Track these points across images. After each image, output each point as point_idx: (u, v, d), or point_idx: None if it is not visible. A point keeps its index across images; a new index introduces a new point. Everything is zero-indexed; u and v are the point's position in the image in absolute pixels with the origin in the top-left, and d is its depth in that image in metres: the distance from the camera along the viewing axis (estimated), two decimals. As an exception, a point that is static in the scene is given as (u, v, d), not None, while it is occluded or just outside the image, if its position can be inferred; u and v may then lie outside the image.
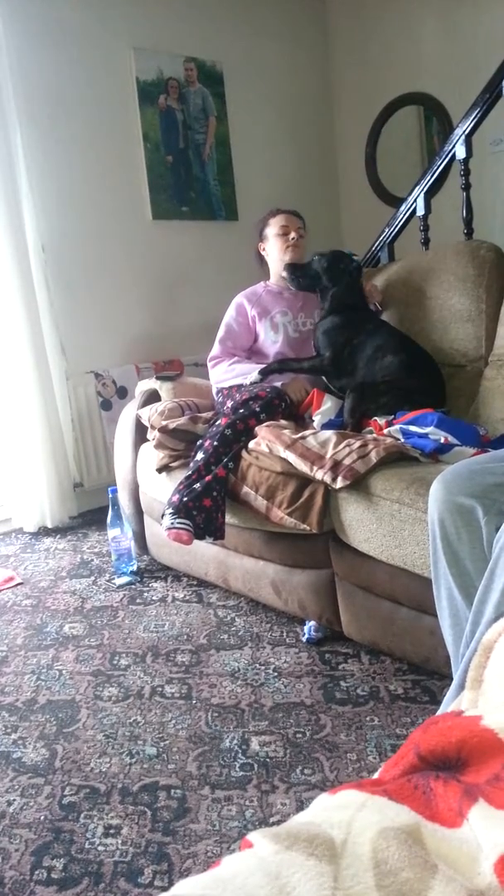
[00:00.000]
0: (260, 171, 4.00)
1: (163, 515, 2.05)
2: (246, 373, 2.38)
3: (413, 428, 1.91)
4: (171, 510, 2.02)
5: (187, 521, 1.98)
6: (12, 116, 2.99)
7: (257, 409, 2.15)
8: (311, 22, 4.25)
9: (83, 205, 3.35)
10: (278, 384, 2.31)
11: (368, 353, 2.25)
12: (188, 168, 3.74)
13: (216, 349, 2.53)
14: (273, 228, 2.54)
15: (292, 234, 2.52)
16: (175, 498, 2.04)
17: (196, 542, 2.05)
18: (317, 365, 2.33)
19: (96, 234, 3.41)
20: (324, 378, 2.39)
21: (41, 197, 3.14)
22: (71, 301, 3.31)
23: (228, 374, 2.44)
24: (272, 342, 2.49)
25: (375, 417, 2.07)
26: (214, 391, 2.54)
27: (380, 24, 4.03)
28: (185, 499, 2.01)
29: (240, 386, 2.39)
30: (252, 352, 2.54)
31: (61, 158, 3.26)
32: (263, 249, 2.59)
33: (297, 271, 2.44)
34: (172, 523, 1.99)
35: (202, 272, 3.80)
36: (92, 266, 3.40)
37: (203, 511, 2.01)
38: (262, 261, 2.64)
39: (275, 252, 2.54)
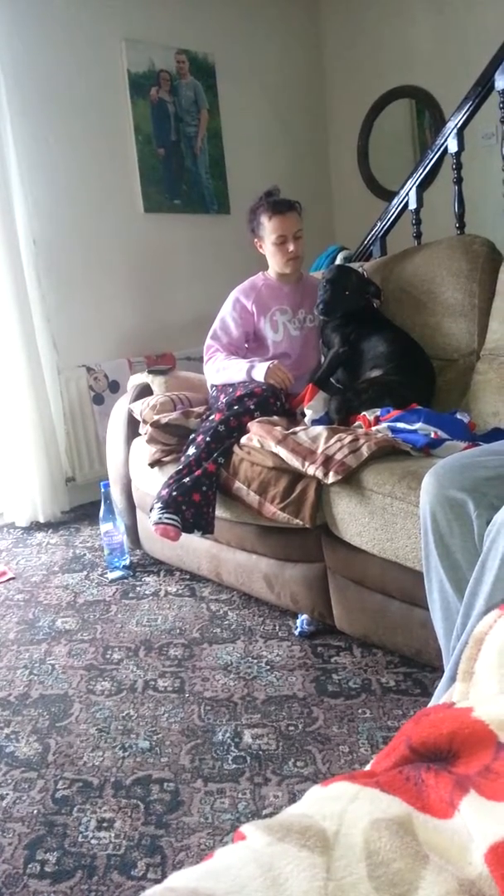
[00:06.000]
0: (252, 165, 3.98)
1: (151, 509, 2.05)
2: (237, 372, 2.31)
3: (401, 425, 1.91)
4: (159, 504, 2.01)
5: (175, 517, 1.98)
6: (3, 109, 2.96)
7: (252, 407, 2.14)
8: (304, 14, 4.24)
9: (74, 198, 3.33)
10: (261, 375, 2.24)
11: (367, 343, 2.30)
12: (180, 161, 3.72)
13: (209, 342, 2.47)
14: (269, 234, 2.35)
15: (290, 247, 2.34)
16: (164, 492, 2.04)
17: (188, 536, 2.05)
18: (333, 358, 2.32)
19: (88, 228, 3.39)
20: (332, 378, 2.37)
21: (32, 190, 3.12)
22: (62, 295, 3.30)
23: (222, 375, 2.37)
24: (272, 341, 2.44)
25: (364, 413, 2.07)
26: (209, 385, 2.52)
27: (372, 17, 4.02)
28: (175, 493, 2.01)
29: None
30: (250, 349, 2.48)
31: (52, 151, 3.24)
32: (260, 247, 2.44)
33: (333, 313, 2.32)
34: (160, 518, 1.99)
35: (194, 266, 3.79)
36: (83, 259, 3.38)
37: (192, 506, 2.00)
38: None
39: (272, 259, 2.41)
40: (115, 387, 3.39)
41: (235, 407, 2.14)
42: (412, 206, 2.90)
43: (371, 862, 0.48)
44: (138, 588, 2.41)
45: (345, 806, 0.53)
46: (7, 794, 1.45)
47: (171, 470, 2.16)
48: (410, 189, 2.88)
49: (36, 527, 3.14)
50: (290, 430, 1.98)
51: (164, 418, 2.34)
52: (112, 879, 1.22)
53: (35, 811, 1.40)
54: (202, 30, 3.73)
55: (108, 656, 1.97)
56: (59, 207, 3.28)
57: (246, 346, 2.48)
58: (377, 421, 2.00)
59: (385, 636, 1.79)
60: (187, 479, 2.04)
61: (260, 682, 1.78)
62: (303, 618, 2.01)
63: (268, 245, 2.39)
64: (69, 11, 3.25)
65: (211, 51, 3.77)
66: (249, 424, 2.08)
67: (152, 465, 2.31)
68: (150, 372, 2.72)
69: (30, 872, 1.25)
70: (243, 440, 2.06)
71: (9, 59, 3.00)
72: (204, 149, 3.82)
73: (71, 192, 3.32)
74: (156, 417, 2.36)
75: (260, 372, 2.25)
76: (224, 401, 2.22)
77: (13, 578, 2.58)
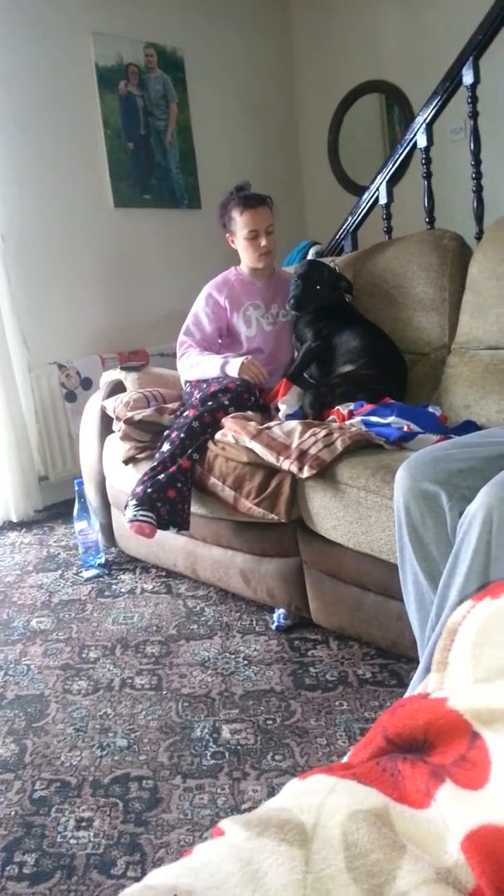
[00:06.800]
0: (222, 159, 3.97)
1: (126, 506, 2.04)
2: (211, 368, 2.31)
3: (374, 419, 1.93)
4: (134, 501, 2.01)
5: (150, 514, 1.97)
6: (-32, 102, 2.92)
7: (226, 403, 2.13)
8: (272, 9, 4.23)
9: (43, 193, 3.29)
10: (235, 370, 2.25)
11: (339, 338, 2.30)
12: (149, 155, 3.69)
13: (182, 338, 2.46)
14: (241, 229, 2.33)
15: (262, 242, 2.34)
16: (139, 489, 2.03)
17: (163, 533, 2.05)
18: (307, 353, 2.31)
19: (57, 223, 3.35)
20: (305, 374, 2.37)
21: (-1, 185, 3.08)
22: (32, 291, 3.26)
23: (195, 371, 2.37)
24: (246, 336, 2.43)
25: (338, 407, 2.08)
26: (183, 381, 2.50)
27: (341, 12, 4.03)
28: (149, 490, 2.00)
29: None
30: (224, 345, 2.47)
31: (20, 145, 3.19)
32: (232, 242, 2.43)
33: (304, 308, 2.32)
34: (135, 515, 1.98)
35: (165, 261, 3.77)
36: (53, 255, 3.34)
37: (167, 502, 2.00)
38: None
39: (244, 254, 2.41)
40: (87, 384, 3.36)
41: (210, 403, 2.14)
42: (382, 200, 2.91)
43: (349, 853, 0.48)
44: (114, 586, 2.40)
45: (323, 798, 0.54)
46: (-17, 797, 1.44)
47: (145, 467, 2.15)
48: (381, 184, 2.90)
49: (9, 526, 3.11)
50: (265, 426, 1.98)
51: (138, 415, 2.32)
52: (91, 879, 1.21)
53: (12, 813, 1.39)
54: (171, 23, 3.70)
55: (84, 655, 1.96)
56: (27, 202, 3.24)
57: (219, 341, 2.47)
58: (351, 415, 2.01)
59: (361, 628, 1.80)
60: (162, 475, 2.03)
61: (237, 677, 1.78)
62: (279, 612, 2.02)
63: (239, 240, 2.38)
64: (36, 4, 3.21)
65: (180, 45, 3.75)
66: (224, 420, 2.08)
67: (126, 462, 2.29)
68: (122, 368, 2.70)
69: (8, 875, 1.24)
70: (218, 436, 2.06)
71: (-27, 52, 2.95)
72: (174, 143, 3.79)
73: (39, 187, 3.27)
74: (129, 414, 2.34)
75: (234, 367, 2.25)
76: (198, 397, 2.21)
77: (-14, 579, 2.55)
